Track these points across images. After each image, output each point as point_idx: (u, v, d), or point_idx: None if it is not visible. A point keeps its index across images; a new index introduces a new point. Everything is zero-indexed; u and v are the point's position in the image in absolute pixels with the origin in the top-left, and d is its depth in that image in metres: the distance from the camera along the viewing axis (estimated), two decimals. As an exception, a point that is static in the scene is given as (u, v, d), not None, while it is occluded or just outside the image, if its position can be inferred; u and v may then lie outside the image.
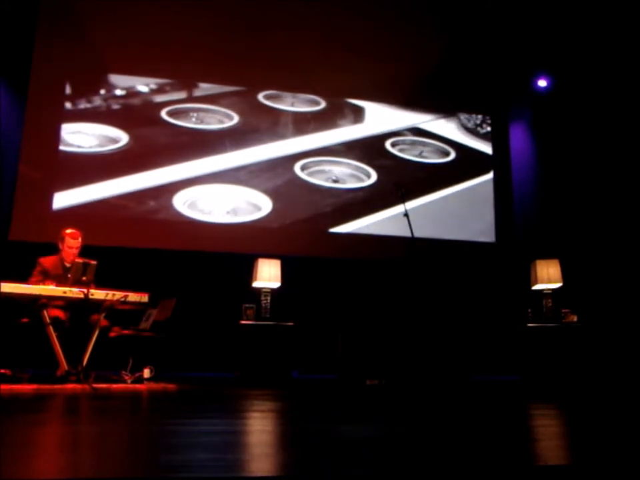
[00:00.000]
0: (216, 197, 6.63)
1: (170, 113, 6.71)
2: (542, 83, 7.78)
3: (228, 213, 6.58)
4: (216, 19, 6.89)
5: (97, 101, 6.55)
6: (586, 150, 7.38)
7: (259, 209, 6.66)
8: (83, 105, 6.50)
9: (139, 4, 6.75)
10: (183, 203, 6.48)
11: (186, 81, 6.85)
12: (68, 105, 6.45)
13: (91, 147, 6.40)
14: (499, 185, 7.49)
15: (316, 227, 6.80)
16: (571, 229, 7.29)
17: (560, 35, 7.32)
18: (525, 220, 7.48)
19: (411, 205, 6.74)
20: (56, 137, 6.33)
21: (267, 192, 6.74)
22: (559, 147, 7.54)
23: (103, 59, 6.58)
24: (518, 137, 7.77)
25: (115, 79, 6.64)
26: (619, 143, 7.26)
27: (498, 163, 7.59)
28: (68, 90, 6.48)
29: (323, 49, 7.13)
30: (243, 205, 6.67)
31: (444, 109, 7.54)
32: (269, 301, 5.68)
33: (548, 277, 5.95)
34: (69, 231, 4.97)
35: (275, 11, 7.02)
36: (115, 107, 6.59)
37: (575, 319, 5.84)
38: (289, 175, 6.84)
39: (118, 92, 6.61)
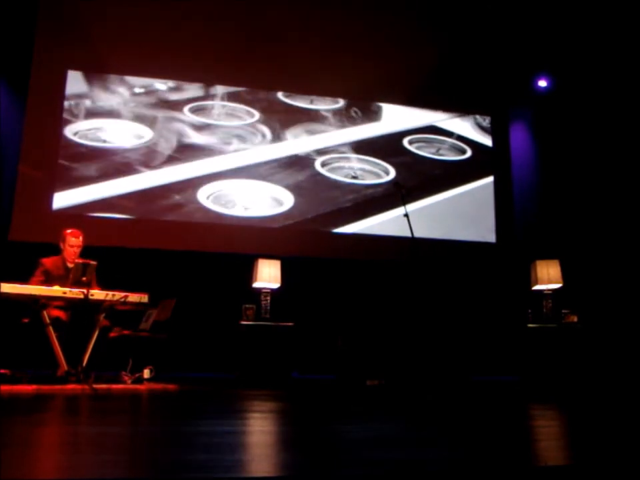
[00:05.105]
0: (238, 191, 6.69)
1: (192, 110, 6.79)
2: (542, 83, 7.79)
3: (249, 208, 6.64)
4: (229, 22, 6.95)
5: (99, 101, 6.56)
6: (586, 150, 7.38)
7: (280, 203, 6.72)
8: (84, 104, 6.51)
9: (141, 3, 6.75)
10: (206, 196, 6.56)
11: (187, 82, 6.86)
12: (68, 105, 6.46)
13: (104, 143, 6.44)
14: (499, 185, 7.49)
15: (317, 227, 6.81)
16: (571, 229, 7.29)
17: (560, 35, 7.33)
18: (525, 220, 7.48)
19: (417, 204, 6.81)
20: (56, 137, 6.33)
21: (288, 187, 6.82)
22: (559, 147, 7.54)
23: (104, 59, 6.58)
24: (518, 137, 7.77)
25: (115, 79, 6.64)
26: (619, 143, 7.26)
27: (498, 163, 7.60)
28: (68, 89, 6.48)
29: (331, 52, 7.18)
30: (265, 200, 6.74)
31: (446, 109, 7.56)
32: (268, 301, 5.69)
33: (548, 277, 5.95)
34: (69, 230, 4.98)
35: (289, 17, 7.09)
36: (116, 106, 6.59)
37: (575, 319, 5.85)
38: (309, 170, 6.91)
39: (118, 91, 6.62)
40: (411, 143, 7.35)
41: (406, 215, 4.86)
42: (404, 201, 5.00)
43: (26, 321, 4.67)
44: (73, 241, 4.93)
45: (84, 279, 4.57)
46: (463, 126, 7.60)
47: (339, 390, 5.36)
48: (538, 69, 7.77)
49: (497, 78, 7.75)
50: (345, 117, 7.23)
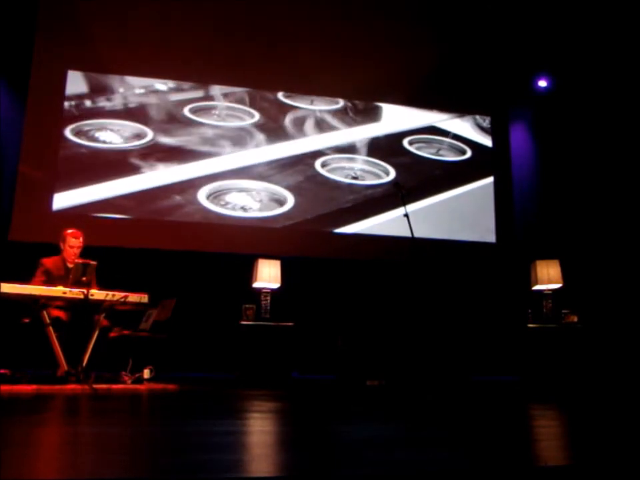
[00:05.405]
0: (238, 192, 6.70)
1: (192, 111, 6.80)
2: (542, 83, 7.79)
3: (249, 208, 6.65)
4: (229, 22, 6.95)
5: (99, 101, 6.56)
6: (586, 150, 7.38)
7: (281, 204, 6.73)
8: (84, 104, 6.51)
9: (141, 4, 6.76)
10: (206, 197, 6.57)
11: (187, 82, 6.86)
12: (68, 105, 6.46)
13: (106, 144, 6.45)
14: (499, 185, 7.49)
15: (317, 227, 6.81)
16: (571, 229, 7.29)
17: (560, 34, 7.32)
18: (525, 220, 7.48)
19: (417, 205, 6.82)
20: (56, 137, 6.33)
21: (288, 188, 6.83)
22: (559, 147, 7.54)
23: (104, 59, 6.58)
24: (518, 137, 7.77)
25: (115, 79, 6.64)
26: (619, 143, 7.26)
27: (498, 163, 7.60)
28: (68, 89, 6.48)
29: (331, 52, 7.19)
30: (265, 200, 6.75)
31: (446, 109, 7.56)
32: (268, 301, 5.69)
33: (548, 277, 5.95)
34: (70, 230, 4.98)
35: (289, 18, 7.10)
36: (116, 106, 6.59)
37: (575, 319, 5.85)
38: (309, 171, 6.92)
39: (119, 91, 6.62)
40: (411, 143, 7.36)
41: (406, 215, 4.86)
42: (404, 201, 5.00)
43: (26, 320, 4.67)
44: (73, 242, 4.93)
45: (84, 279, 4.57)
46: (463, 126, 7.60)
47: (339, 390, 5.35)
48: (538, 69, 7.77)
49: (497, 78, 7.75)
50: (345, 118, 7.23)
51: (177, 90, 6.82)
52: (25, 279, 4.63)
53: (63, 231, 5.01)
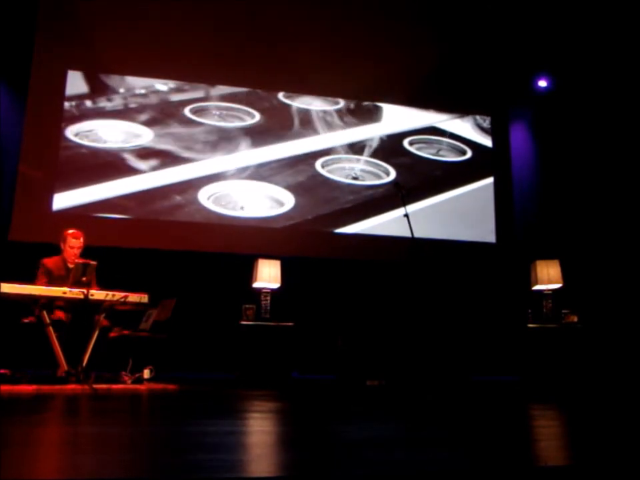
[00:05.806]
0: (238, 192, 6.71)
1: (192, 111, 6.80)
2: (542, 83, 7.79)
3: (250, 208, 6.66)
4: (229, 23, 6.95)
5: (99, 101, 6.56)
6: (586, 150, 7.38)
7: (281, 204, 6.73)
8: (84, 104, 6.51)
9: (142, 4, 6.76)
10: (207, 197, 6.57)
11: (187, 82, 6.86)
12: (68, 105, 6.46)
13: (105, 144, 6.45)
14: (499, 185, 7.49)
15: (318, 227, 6.81)
16: (571, 229, 7.29)
17: (560, 34, 7.33)
18: (525, 220, 7.48)
19: (417, 205, 6.83)
20: (56, 137, 6.33)
21: (289, 188, 6.82)
22: (559, 147, 7.54)
23: (104, 59, 6.58)
24: (518, 137, 7.77)
25: (115, 79, 6.65)
26: (619, 143, 7.26)
27: (498, 163, 7.61)
28: (68, 89, 6.48)
29: (331, 52, 7.19)
30: (266, 201, 6.76)
31: (446, 109, 7.57)
32: (268, 301, 5.69)
33: (548, 277, 5.95)
34: (70, 231, 4.99)
35: (289, 18, 7.09)
36: (117, 106, 6.59)
37: (575, 319, 5.85)
38: (310, 171, 6.92)
39: (119, 91, 6.62)
40: (411, 143, 7.36)
41: (406, 216, 4.86)
42: (404, 202, 5.00)
43: (26, 320, 4.68)
44: (74, 242, 4.93)
45: (84, 279, 4.57)
46: (463, 126, 7.60)
47: (339, 390, 5.35)
48: (538, 69, 7.77)
49: (497, 78, 7.75)
50: (344, 118, 7.23)
51: (177, 90, 6.82)
52: (25, 279, 4.62)
53: (64, 231, 5.01)
